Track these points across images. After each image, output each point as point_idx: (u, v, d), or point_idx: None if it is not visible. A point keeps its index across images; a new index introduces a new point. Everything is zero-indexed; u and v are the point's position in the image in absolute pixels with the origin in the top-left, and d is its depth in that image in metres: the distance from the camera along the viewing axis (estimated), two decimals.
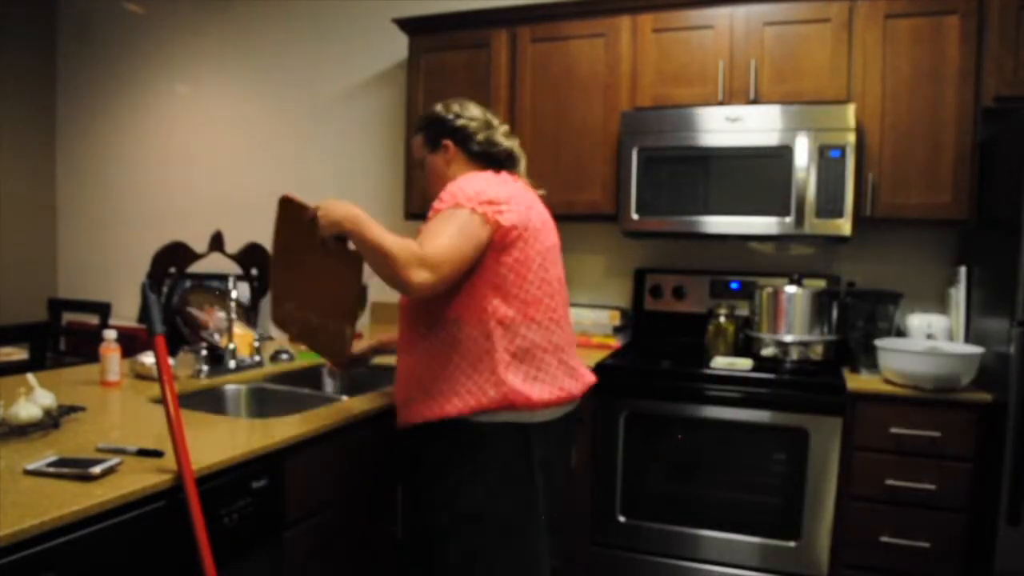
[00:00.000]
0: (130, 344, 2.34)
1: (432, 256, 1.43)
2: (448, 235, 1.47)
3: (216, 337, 2.22)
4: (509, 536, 1.56)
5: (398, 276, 1.41)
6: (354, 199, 3.69)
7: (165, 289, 2.18)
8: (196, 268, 2.31)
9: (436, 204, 1.57)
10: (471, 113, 1.76)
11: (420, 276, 1.41)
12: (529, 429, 1.56)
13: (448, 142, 1.74)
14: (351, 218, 1.47)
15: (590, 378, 1.74)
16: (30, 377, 1.53)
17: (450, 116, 1.75)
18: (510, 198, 1.58)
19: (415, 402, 1.59)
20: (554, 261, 1.69)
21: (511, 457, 1.55)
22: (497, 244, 1.54)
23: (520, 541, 1.57)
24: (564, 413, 1.66)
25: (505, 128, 1.81)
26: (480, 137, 1.74)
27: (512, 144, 1.78)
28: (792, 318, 2.55)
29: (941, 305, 2.66)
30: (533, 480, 1.57)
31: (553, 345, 1.61)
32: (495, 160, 1.75)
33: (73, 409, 1.61)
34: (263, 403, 2.08)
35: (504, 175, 1.70)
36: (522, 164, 1.80)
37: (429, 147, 1.78)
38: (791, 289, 2.55)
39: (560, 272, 1.72)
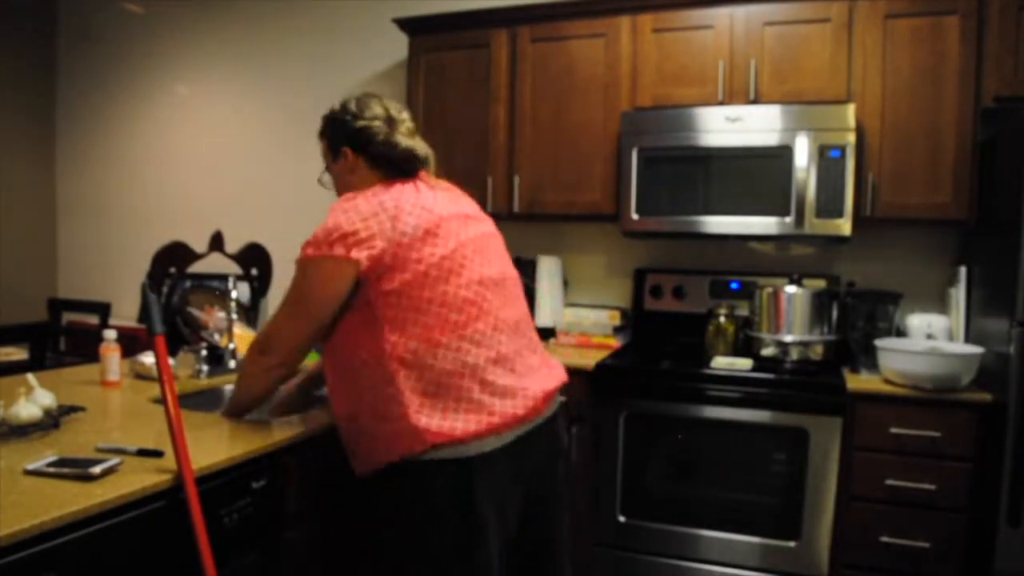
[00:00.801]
0: (130, 344, 2.34)
1: (266, 340, 1.51)
2: (286, 306, 1.47)
3: (216, 337, 2.22)
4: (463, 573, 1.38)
5: (255, 370, 1.54)
6: None
7: (165, 289, 2.18)
8: (196, 268, 2.32)
9: (303, 245, 1.44)
10: (372, 112, 1.55)
11: (266, 360, 1.51)
12: (468, 464, 1.35)
13: (346, 149, 1.55)
14: (227, 410, 1.65)
15: (543, 386, 1.50)
16: (30, 377, 1.53)
17: (348, 118, 1.56)
18: (372, 216, 1.39)
19: (352, 452, 1.50)
20: (469, 262, 1.46)
21: (450, 497, 1.36)
22: (371, 276, 1.38)
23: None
24: (514, 439, 1.42)
25: (407, 126, 1.58)
26: (379, 139, 1.53)
27: (413, 143, 1.55)
28: (792, 318, 2.55)
29: (941, 305, 2.66)
30: (478, 517, 1.36)
31: (469, 368, 1.39)
32: (398, 165, 1.53)
33: (73, 409, 1.61)
34: (263, 403, 2.07)
35: (394, 186, 1.49)
36: (430, 162, 1.58)
37: (331, 155, 1.60)
38: (791, 289, 2.55)
39: (485, 271, 1.48)
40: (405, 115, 1.60)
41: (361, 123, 1.54)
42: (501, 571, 1.45)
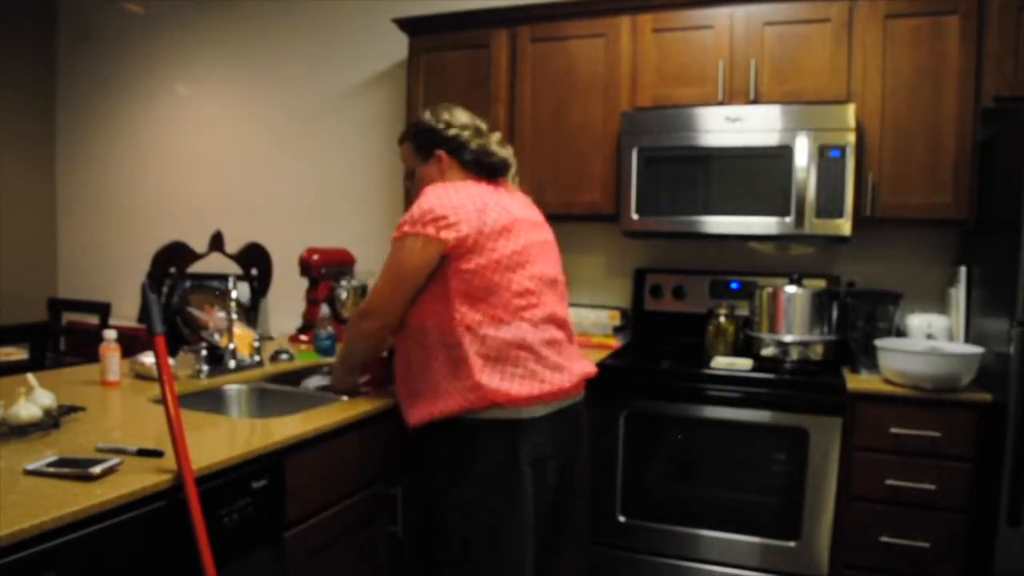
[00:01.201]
0: (130, 344, 2.34)
1: (369, 305, 1.74)
2: (385, 277, 1.68)
3: (216, 337, 2.22)
4: (497, 528, 1.59)
5: (358, 334, 1.79)
6: (354, 197, 3.70)
7: (165, 289, 2.18)
8: (196, 268, 2.32)
9: (399, 223, 1.65)
10: (461, 121, 1.79)
11: (368, 325, 1.74)
12: (517, 426, 1.60)
13: (441, 152, 1.77)
14: (336, 378, 1.97)
15: (583, 370, 1.76)
16: (30, 377, 1.53)
17: (440, 125, 1.78)
18: (461, 206, 1.61)
19: (409, 405, 1.70)
20: (533, 259, 1.69)
21: (499, 453, 1.59)
22: (453, 255, 1.60)
23: (508, 534, 1.60)
24: (556, 409, 1.67)
25: (498, 135, 1.83)
26: (473, 146, 1.77)
27: (507, 153, 1.81)
28: (792, 318, 2.55)
29: (941, 305, 2.66)
30: (520, 474, 1.60)
31: (526, 344, 1.62)
32: (488, 168, 1.78)
33: (73, 409, 1.61)
34: (263, 403, 2.08)
35: (481, 184, 1.73)
36: (512, 171, 1.84)
37: (421, 157, 1.81)
38: (791, 289, 2.55)
39: (545, 269, 1.72)
40: (486, 126, 1.84)
41: (454, 131, 1.77)
42: (536, 528, 1.65)
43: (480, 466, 1.59)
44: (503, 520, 1.59)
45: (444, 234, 1.59)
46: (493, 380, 1.57)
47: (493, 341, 1.59)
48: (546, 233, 1.82)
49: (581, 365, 1.78)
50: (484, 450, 1.59)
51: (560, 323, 1.73)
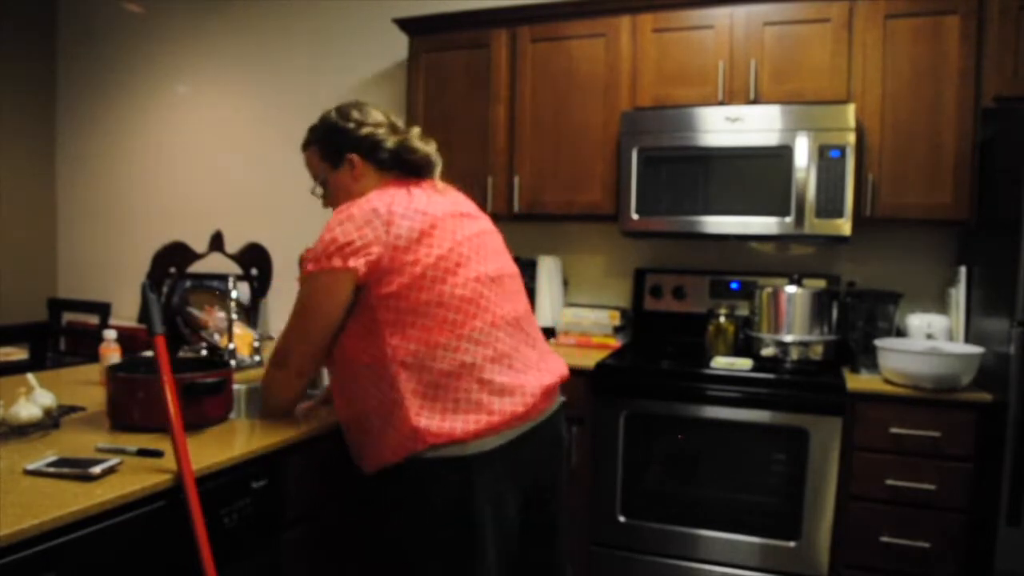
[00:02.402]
0: (130, 344, 2.34)
1: (277, 353, 1.55)
2: (294, 322, 1.51)
3: (216, 337, 2.22)
4: (458, 571, 1.41)
5: (275, 384, 1.60)
6: None
7: (165, 289, 2.18)
8: (196, 268, 2.31)
9: (301, 264, 1.48)
10: (374, 119, 1.59)
11: (282, 375, 1.56)
12: (467, 463, 1.39)
13: (353, 156, 1.56)
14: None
15: (543, 381, 1.52)
16: (30, 377, 1.53)
17: (351, 125, 1.57)
18: (367, 225, 1.41)
19: (355, 452, 1.54)
20: (467, 260, 1.48)
21: (451, 494, 1.40)
22: (369, 281, 1.41)
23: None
24: (512, 438, 1.45)
25: (417, 130, 1.62)
26: (390, 144, 1.56)
27: (430, 149, 1.59)
28: (792, 318, 2.55)
29: (941, 305, 2.66)
30: (476, 515, 1.40)
31: (467, 367, 1.41)
32: (410, 167, 1.57)
33: (73, 409, 1.61)
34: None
35: (387, 189, 1.51)
36: (438, 169, 1.61)
37: (330, 163, 1.60)
38: (791, 289, 2.55)
39: (483, 268, 1.50)
40: (402, 122, 1.64)
41: (367, 129, 1.57)
42: (500, 566, 1.47)
43: (433, 509, 1.40)
44: (463, 564, 1.41)
45: (352, 262, 1.40)
46: (432, 422, 1.38)
47: (429, 374, 1.39)
48: (481, 222, 1.59)
49: (541, 375, 1.53)
50: (435, 493, 1.40)
51: (511, 324, 1.51)
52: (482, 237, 1.55)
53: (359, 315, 1.44)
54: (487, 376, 1.43)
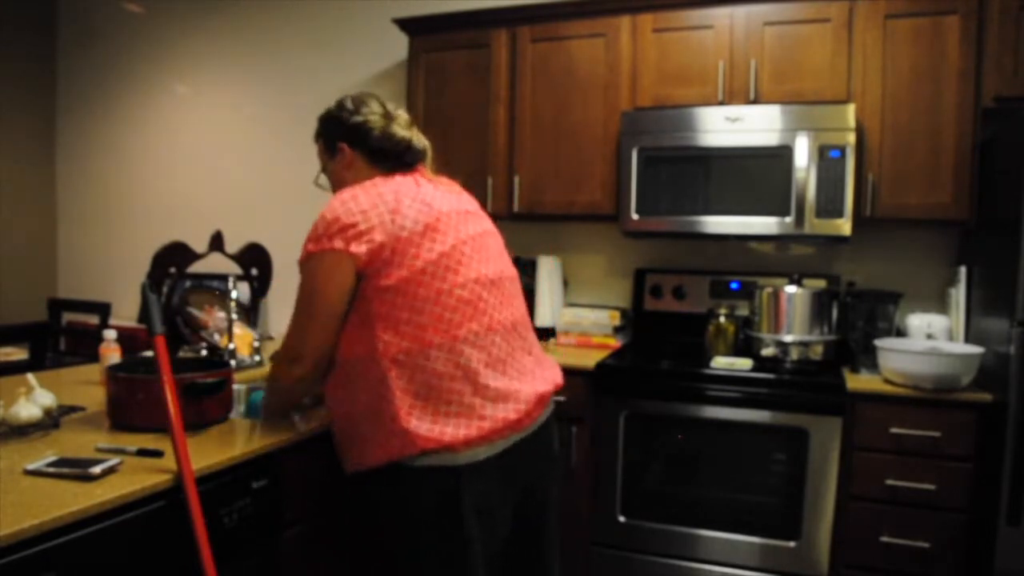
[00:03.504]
0: (130, 344, 2.34)
1: (292, 348, 1.47)
2: (300, 310, 1.44)
3: (216, 337, 2.22)
4: None
5: (287, 380, 1.52)
6: None
7: (165, 289, 2.18)
8: (196, 268, 2.31)
9: (303, 242, 1.44)
10: (369, 108, 1.56)
11: (297, 370, 1.47)
12: (456, 473, 1.35)
13: (343, 144, 1.56)
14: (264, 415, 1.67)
15: (537, 389, 1.48)
16: (30, 377, 1.53)
17: (344, 115, 1.57)
18: (372, 209, 1.38)
19: (341, 450, 1.51)
20: (467, 260, 1.44)
21: (437, 504, 1.36)
22: (368, 271, 1.37)
23: None
24: (504, 448, 1.41)
25: (404, 118, 1.59)
26: (376, 133, 1.54)
27: (410, 134, 1.56)
28: (792, 318, 2.55)
29: (941, 305, 2.66)
30: (463, 528, 1.36)
31: (462, 370, 1.37)
32: (396, 157, 1.54)
33: (73, 409, 1.61)
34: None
35: (393, 179, 1.49)
36: (427, 155, 1.60)
37: (328, 153, 1.61)
38: (791, 289, 2.55)
39: (483, 269, 1.46)
40: (401, 111, 1.62)
41: (358, 118, 1.55)
42: (492, 571, 1.45)
43: (418, 518, 1.37)
44: (450, 574, 1.38)
45: (354, 247, 1.35)
46: (423, 425, 1.33)
47: (422, 374, 1.35)
48: (483, 223, 1.56)
49: (536, 383, 1.49)
50: (421, 501, 1.36)
51: (507, 329, 1.47)
52: (484, 238, 1.53)
53: (355, 307, 1.41)
54: (481, 380, 1.39)
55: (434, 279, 1.39)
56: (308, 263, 1.42)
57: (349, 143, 1.56)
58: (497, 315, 1.46)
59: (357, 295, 1.40)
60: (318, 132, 1.65)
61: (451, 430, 1.34)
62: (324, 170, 1.65)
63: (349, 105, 1.58)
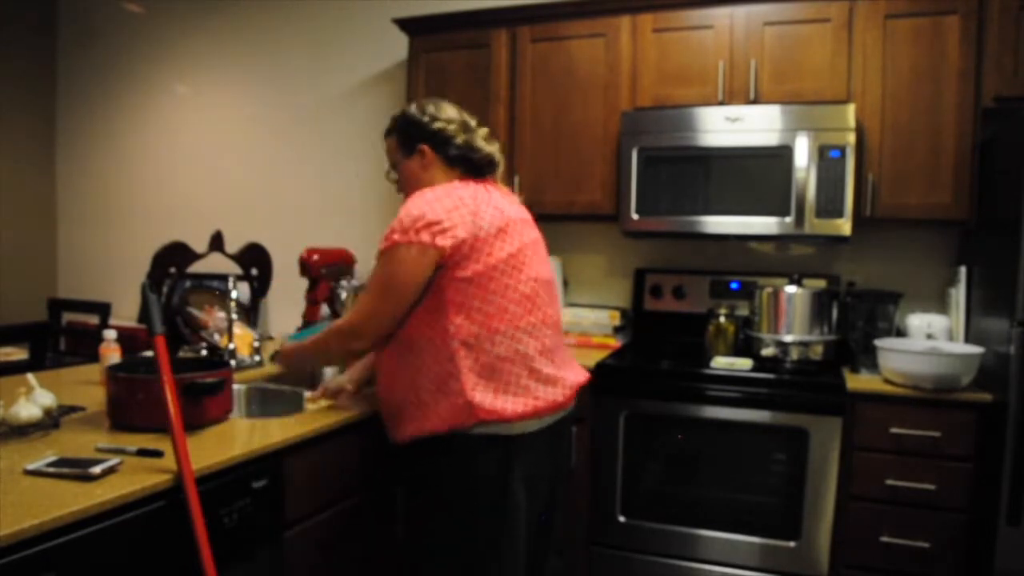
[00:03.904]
0: (130, 344, 2.34)
1: (358, 323, 1.61)
2: (375, 292, 1.57)
3: (216, 337, 2.22)
4: (491, 548, 1.53)
5: (342, 351, 1.72)
6: (354, 196, 3.69)
7: (165, 289, 2.18)
8: (196, 268, 2.31)
9: (386, 233, 1.56)
10: (447, 115, 1.70)
11: (355, 345, 1.66)
12: (510, 442, 1.53)
13: (424, 147, 1.68)
14: (285, 354, 1.83)
15: (577, 379, 1.70)
16: (30, 377, 1.53)
17: (426, 119, 1.69)
18: (454, 209, 1.53)
19: (396, 421, 1.64)
20: (529, 261, 1.62)
21: (492, 470, 1.53)
22: (448, 263, 1.52)
23: (503, 554, 1.54)
24: (549, 423, 1.61)
25: (485, 131, 1.74)
26: (459, 141, 1.68)
27: (492, 149, 1.72)
28: (792, 318, 2.55)
29: (941, 305, 2.66)
30: (512, 494, 1.53)
31: (520, 355, 1.55)
32: (473, 166, 1.69)
33: (73, 409, 1.61)
34: (263, 403, 2.08)
35: (469, 184, 1.64)
36: (500, 168, 1.75)
37: (404, 151, 1.72)
38: (791, 289, 2.55)
39: (540, 271, 1.65)
40: (475, 121, 1.74)
41: (439, 124, 1.68)
42: (528, 540, 1.60)
43: (472, 484, 1.53)
44: (496, 540, 1.53)
45: (440, 240, 1.49)
46: (487, 399, 1.51)
47: (488, 356, 1.52)
48: (536, 231, 1.74)
49: (575, 373, 1.71)
50: (476, 468, 1.53)
51: (554, 326, 1.67)
52: (538, 244, 1.71)
53: (430, 291, 1.54)
54: (536, 366, 1.57)
55: (503, 275, 1.55)
56: (393, 252, 1.54)
57: (432, 146, 1.68)
58: (548, 311, 1.65)
59: (432, 284, 1.53)
60: (392, 129, 1.76)
61: (510, 406, 1.52)
62: (394, 166, 1.77)
63: (431, 110, 1.71)
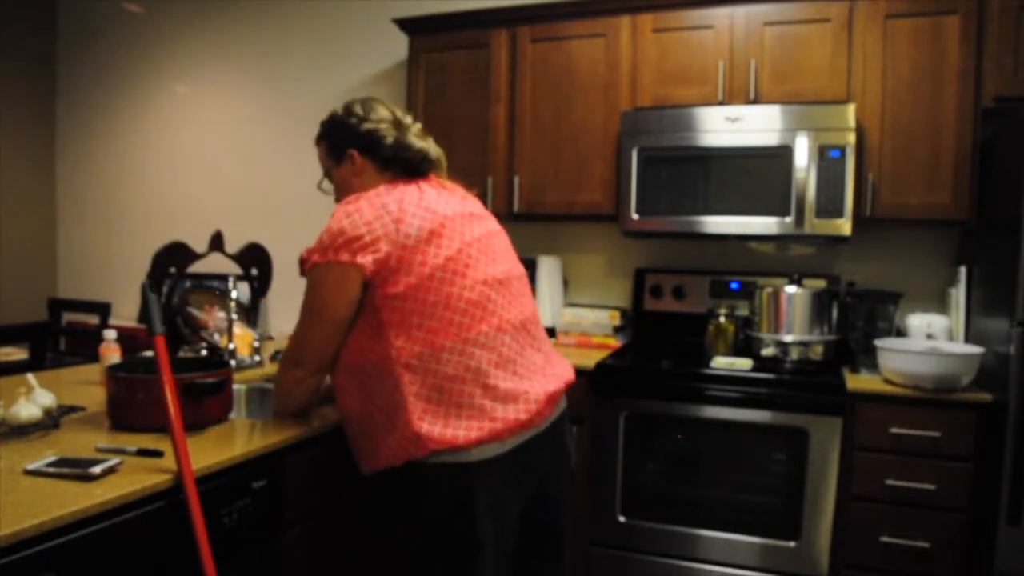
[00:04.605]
0: (130, 344, 2.34)
1: (296, 352, 1.51)
2: (305, 317, 1.48)
3: (216, 337, 2.22)
4: None
5: (291, 383, 1.56)
6: None
7: (165, 289, 2.18)
8: (196, 268, 2.31)
9: (305, 254, 1.46)
10: (378, 115, 1.56)
11: (298, 373, 1.53)
12: (468, 471, 1.37)
13: (354, 152, 1.56)
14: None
15: (549, 387, 1.49)
16: (30, 377, 1.53)
17: (353, 120, 1.56)
18: (376, 220, 1.39)
19: (355, 451, 1.53)
20: (474, 262, 1.46)
21: (449, 502, 1.38)
22: (375, 280, 1.39)
23: None
24: (515, 445, 1.43)
25: (417, 127, 1.60)
26: (390, 141, 1.54)
27: (426, 144, 1.57)
28: (792, 318, 2.55)
29: (941, 305, 2.66)
30: (479, 528, 1.38)
31: (472, 372, 1.39)
32: (409, 166, 1.55)
33: (73, 409, 1.61)
34: (263, 403, 2.08)
35: (398, 186, 1.50)
36: (442, 164, 1.61)
37: (334, 158, 1.60)
38: (791, 289, 2.55)
39: (491, 270, 1.48)
40: (410, 118, 1.61)
41: (368, 125, 1.55)
42: (503, 570, 1.46)
43: (431, 514, 1.39)
44: (462, 571, 1.40)
45: (360, 258, 1.37)
46: (435, 428, 1.35)
47: (435, 377, 1.37)
48: (489, 223, 1.57)
49: (546, 381, 1.50)
50: (434, 498, 1.38)
51: (516, 328, 1.49)
52: (490, 238, 1.54)
53: (364, 314, 1.42)
54: (491, 382, 1.41)
55: (442, 284, 1.40)
56: (314, 274, 1.44)
57: (360, 150, 1.56)
58: (506, 315, 1.47)
59: (365, 303, 1.42)
60: (321, 136, 1.64)
61: (463, 432, 1.36)
62: (327, 175, 1.65)
63: (358, 110, 1.58)
